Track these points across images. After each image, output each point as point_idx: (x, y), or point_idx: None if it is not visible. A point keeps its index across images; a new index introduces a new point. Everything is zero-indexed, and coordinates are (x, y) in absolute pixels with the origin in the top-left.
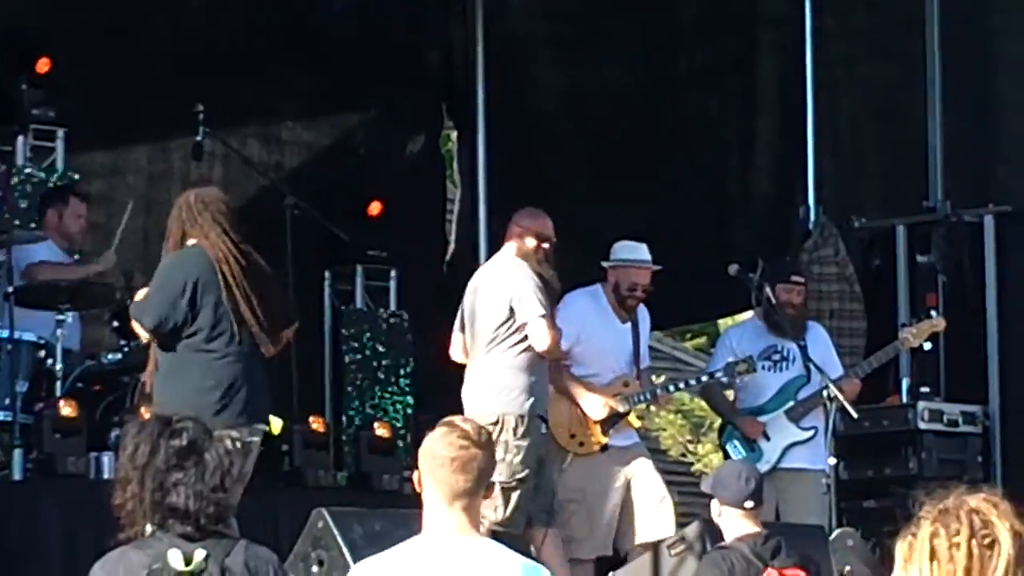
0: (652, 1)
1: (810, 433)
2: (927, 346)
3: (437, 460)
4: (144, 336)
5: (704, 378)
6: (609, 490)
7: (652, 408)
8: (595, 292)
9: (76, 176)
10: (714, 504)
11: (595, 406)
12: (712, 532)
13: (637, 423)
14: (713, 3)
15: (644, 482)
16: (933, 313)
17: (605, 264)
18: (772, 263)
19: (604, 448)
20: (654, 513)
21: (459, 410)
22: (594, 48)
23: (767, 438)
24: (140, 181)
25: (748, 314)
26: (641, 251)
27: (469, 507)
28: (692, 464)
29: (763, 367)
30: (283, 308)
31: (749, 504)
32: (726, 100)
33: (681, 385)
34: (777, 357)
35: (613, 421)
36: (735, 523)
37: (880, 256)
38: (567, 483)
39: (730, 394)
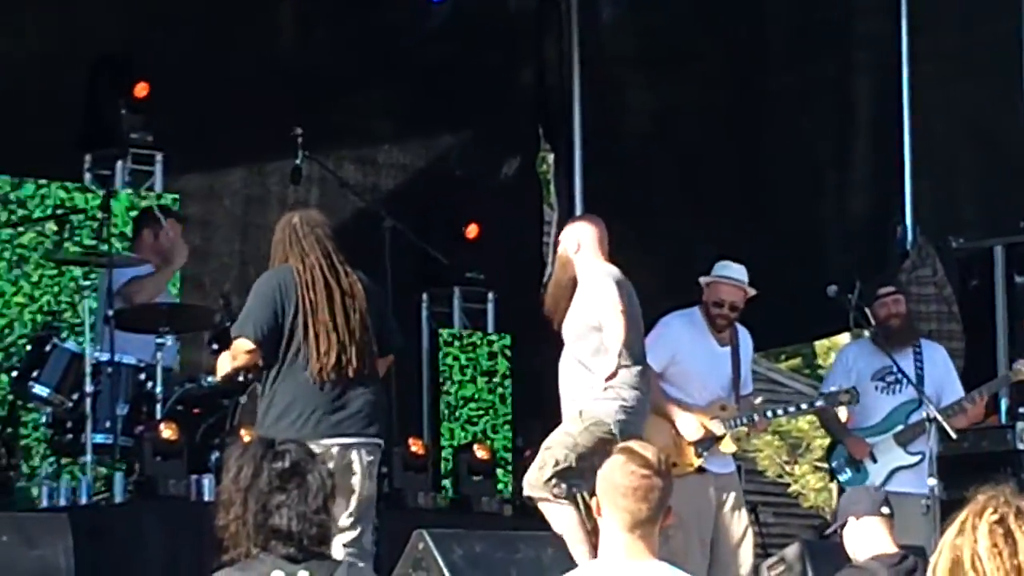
0: (745, 20)
1: (917, 458)
2: None
3: (618, 489)
4: (238, 363)
5: (804, 406)
6: (706, 515)
7: (755, 432)
8: (691, 314)
9: (174, 198)
10: (850, 523)
11: (690, 426)
12: (813, 554)
13: (732, 448)
14: (807, 21)
15: (732, 515)
16: None
17: (702, 280)
18: (864, 287)
19: (700, 470)
20: (738, 549)
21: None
22: (686, 67)
23: (874, 460)
24: (237, 204)
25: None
26: (733, 269)
27: (647, 535)
28: (789, 485)
29: (876, 388)
30: (382, 334)
31: (885, 510)
32: (820, 119)
33: (780, 411)
34: (891, 379)
35: (707, 444)
36: (873, 537)
37: (978, 276)
38: None
39: (843, 413)
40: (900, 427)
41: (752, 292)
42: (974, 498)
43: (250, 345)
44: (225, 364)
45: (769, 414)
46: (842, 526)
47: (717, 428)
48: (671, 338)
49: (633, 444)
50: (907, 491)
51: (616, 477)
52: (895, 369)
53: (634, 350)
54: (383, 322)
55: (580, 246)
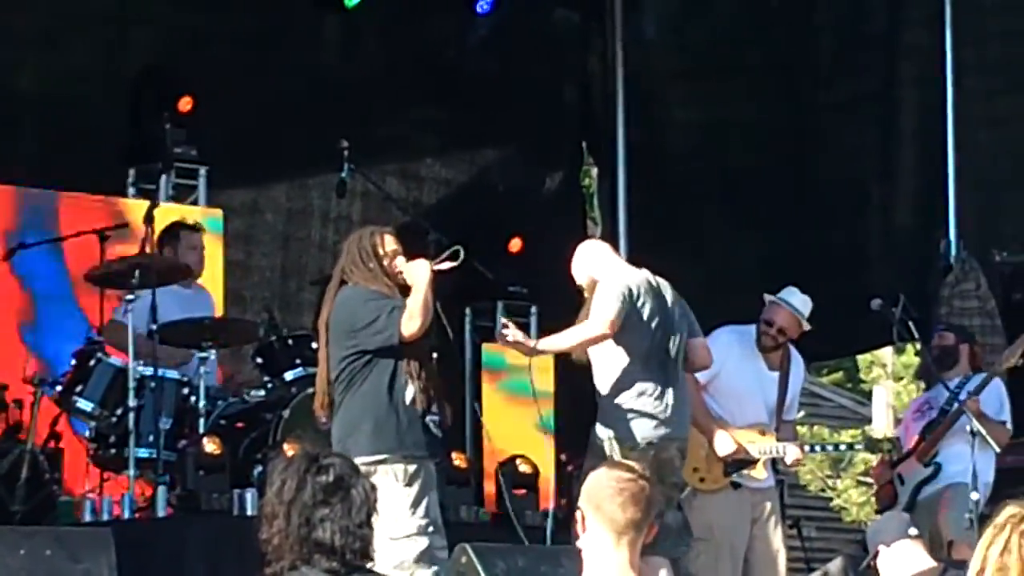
0: (791, 33)
1: (931, 469)
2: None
3: (603, 492)
4: None
5: (843, 447)
6: (739, 531)
7: (784, 463)
8: (746, 332)
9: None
10: (881, 551)
11: (725, 443)
12: (856, 568)
13: (764, 474)
14: (852, 34)
15: (767, 530)
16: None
17: (766, 298)
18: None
19: (735, 485)
20: (773, 564)
21: None
22: (731, 82)
23: (902, 481)
24: (279, 219)
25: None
26: (796, 297)
27: (634, 542)
28: (831, 500)
29: (914, 418)
30: None
31: (913, 531)
32: (865, 133)
33: (818, 448)
34: (926, 408)
35: (739, 465)
36: (908, 560)
37: (1021, 290)
38: (696, 518)
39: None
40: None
41: (807, 327)
42: (1003, 510)
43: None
44: None
45: (807, 448)
46: (875, 557)
47: (753, 452)
48: (718, 352)
49: (616, 459)
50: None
51: (603, 484)
52: (931, 399)
53: (643, 351)
54: None
55: (594, 265)
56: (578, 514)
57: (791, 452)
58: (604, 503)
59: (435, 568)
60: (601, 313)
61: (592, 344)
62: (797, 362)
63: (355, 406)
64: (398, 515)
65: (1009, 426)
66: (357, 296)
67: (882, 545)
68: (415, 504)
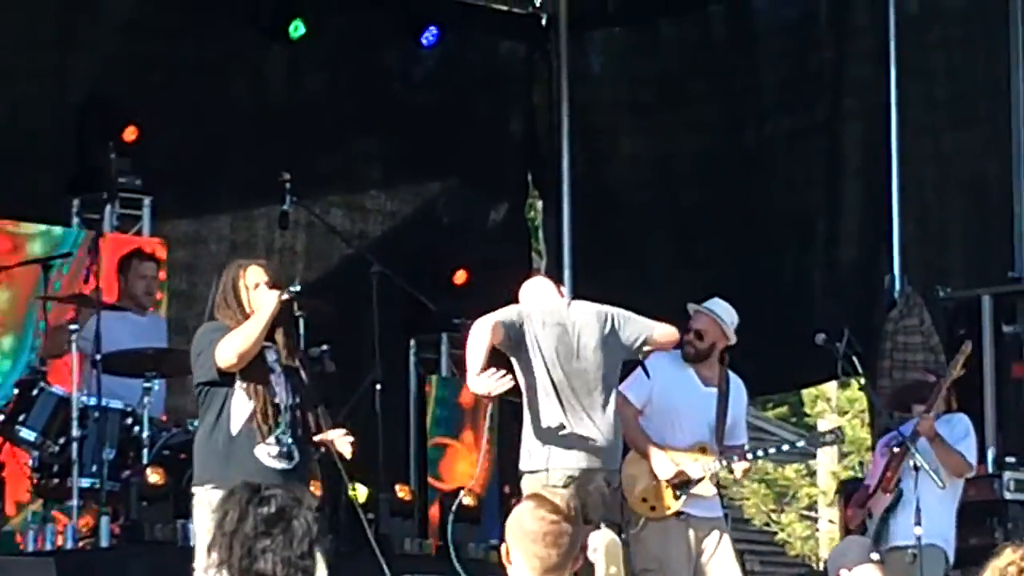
0: (737, 67)
1: (892, 496)
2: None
3: (528, 535)
4: None
5: (785, 447)
6: (680, 560)
7: (731, 474)
8: (675, 352)
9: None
10: (843, 574)
11: (663, 466)
12: None
13: (711, 490)
14: (798, 69)
15: (715, 561)
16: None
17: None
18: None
19: (678, 515)
20: None
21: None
22: (677, 114)
23: (870, 516)
24: (223, 249)
25: None
26: (716, 303)
27: None
28: (775, 533)
29: (882, 453)
30: None
31: (875, 555)
32: (811, 167)
33: (760, 452)
34: (893, 442)
35: (685, 486)
36: None
37: (965, 326)
38: (646, 551)
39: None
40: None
41: (729, 333)
42: (1003, 553)
43: None
44: None
45: (750, 456)
46: (837, 572)
47: (694, 471)
48: (653, 374)
49: (542, 491)
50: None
51: (526, 523)
52: (899, 432)
53: (547, 384)
54: None
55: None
56: (503, 548)
57: (737, 465)
58: (526, 543)
59: None
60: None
61: (478, 348)
62: (737, 385)
63: (197, 435)
64: (200, 544)
65: (971, 460)
66: (204, 331)
67: (843, 569)
68: None
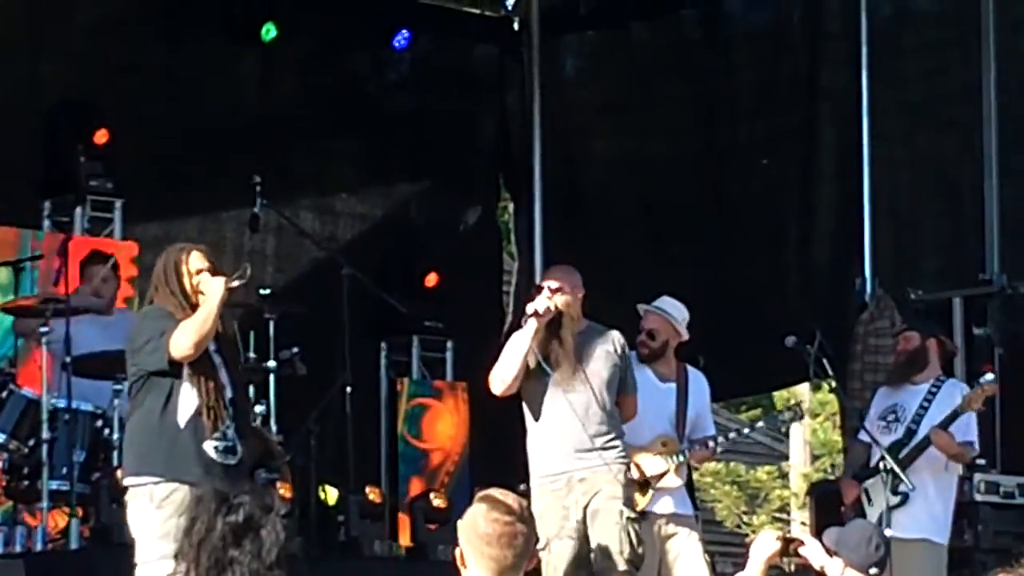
0: (711, 70)
1: (898, 499)
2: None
3: (483, 538)
4: None
5: (746, 430)
6: (650, 560)
7: (693, 463)
8: (632, 356)
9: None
10: (835, 562)
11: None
12: None
13: (677, 481)
14: (772, 73)
15: (682, 559)
16: (989, 376)
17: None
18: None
19: (643, 514)
20: None
21: (510, 482)
22: (651, 117)
23: (869, 501)
24: None
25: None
26: (665, 301)
27: None
28: (747, 535)
29: (879, 427)
30: None
31: (874, 571)
32: (784, 170)
33: (721, 439)
34: (892, 417)
35: (648, 484)
36: None
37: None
38: None
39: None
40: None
41: (681, 329)
42: None
43: None
44: None
45: (711, 442)
46: (834, 552)
47: (656, 466)
48: None
49: (495, 492)
50: (901, 536)
51: (480, 525)
52: (897, 406)
53: None
54: None
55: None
56: (457, 551)
57: (698, 453)
58: (480, 545)
59: None
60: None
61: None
62: (697, 378)
63: (132, 426)
64: (146, 539)
65: (976, 448)
66: (145, 315)
67: (839, 559)
68: (165, 529)
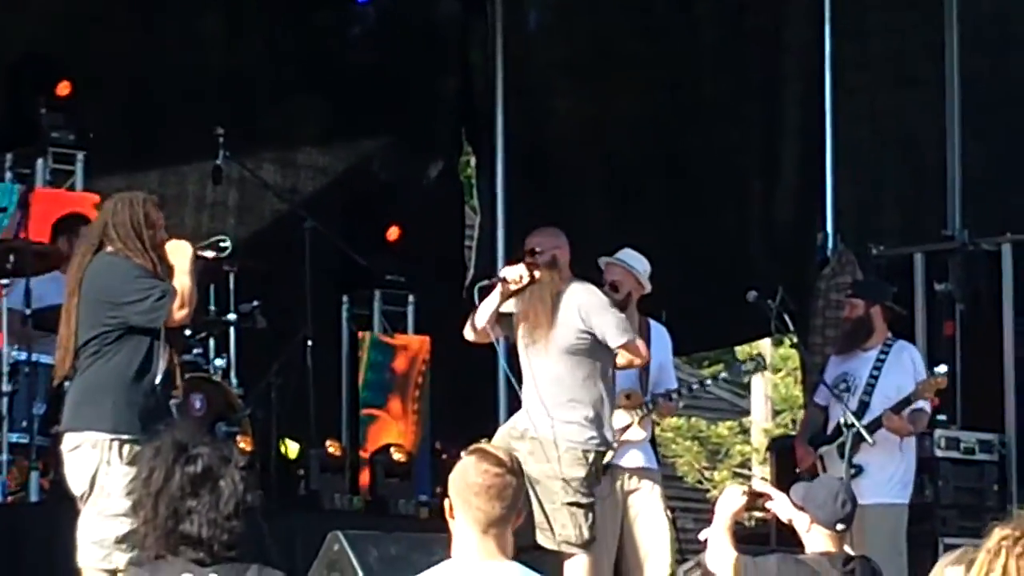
0: (675, 27)
1: (853, 471)
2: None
3: (471, 488)
4: None
5: (709, 382)
6: (609, 512)
7: (658, 416)
8: None
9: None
10: (802, 517)
11: None
12: None
13: (641, 434)
14: (735, 30)
15: (646, 517)
16: (941, 368)
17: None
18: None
19: (606, 467)
20: (654, 548)
21: (473, 436)
22: (614, 74)
23: (824, 470)
24: None
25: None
26: (626, 253)
27: (501, 534)
28: (708, 491)
29: (833, 395)
30: None
31: (840, 527)
32: (748, 127)
33: (684, 391)
34: (843, 387)
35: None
36: (820, 542)
37: (898, 284)
38: None
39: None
40: (841, 438)
41: (644, 281)
42: (993, 533)
43: None
44: None
45: (675, 395)
46: (801, 508)
47: (618, 420)
48: None
49: (484, 444)
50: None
51: (469, 477)
52: (848, 375)
53: None
54: None
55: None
56: (447, 502)
57: (662, 407)
58: (469, 496)
59: (134, 554)
60: None
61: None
62: (659, 331)
63: (100, 377)
64: (113, 493)
65: (928, 411)
66: (124, 269)
67: (808, 515)
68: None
